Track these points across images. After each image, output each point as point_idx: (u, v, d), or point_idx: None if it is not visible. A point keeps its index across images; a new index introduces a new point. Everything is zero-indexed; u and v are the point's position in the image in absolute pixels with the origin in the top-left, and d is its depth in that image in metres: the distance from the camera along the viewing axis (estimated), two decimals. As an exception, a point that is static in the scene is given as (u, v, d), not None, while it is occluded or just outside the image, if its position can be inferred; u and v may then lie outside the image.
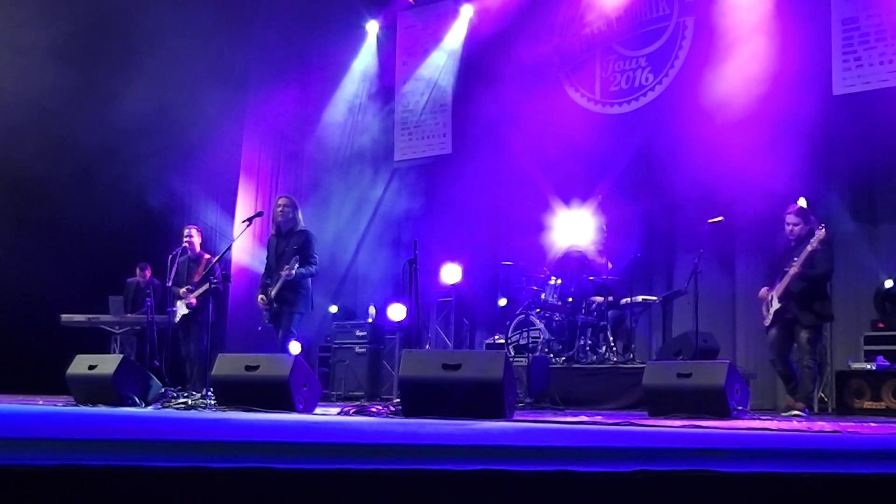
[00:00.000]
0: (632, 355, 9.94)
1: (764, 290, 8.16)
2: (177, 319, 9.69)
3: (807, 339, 7.84)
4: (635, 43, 11.65)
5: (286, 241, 8.60)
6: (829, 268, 8.02)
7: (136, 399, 7.99)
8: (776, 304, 7.92)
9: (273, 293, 8.46)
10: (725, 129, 10.06)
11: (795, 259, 7.83)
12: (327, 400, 10.69)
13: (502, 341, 10.42)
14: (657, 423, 5.99)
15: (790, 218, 8.05)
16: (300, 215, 8.84)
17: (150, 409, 7.74)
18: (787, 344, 8.03)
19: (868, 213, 9.77)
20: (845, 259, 9.76)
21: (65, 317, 11.20)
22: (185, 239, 9.91)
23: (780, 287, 7.87)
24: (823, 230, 7.71)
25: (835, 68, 9.95)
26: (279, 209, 8.72)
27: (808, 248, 7.73)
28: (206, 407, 7.52)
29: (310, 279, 8.65)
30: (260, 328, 8.87)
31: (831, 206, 9.70)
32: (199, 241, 10.04)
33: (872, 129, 9.74)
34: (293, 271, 8.30)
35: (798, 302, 7.84)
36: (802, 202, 8.59)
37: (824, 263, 7.89)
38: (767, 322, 8.04)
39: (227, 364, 7.66)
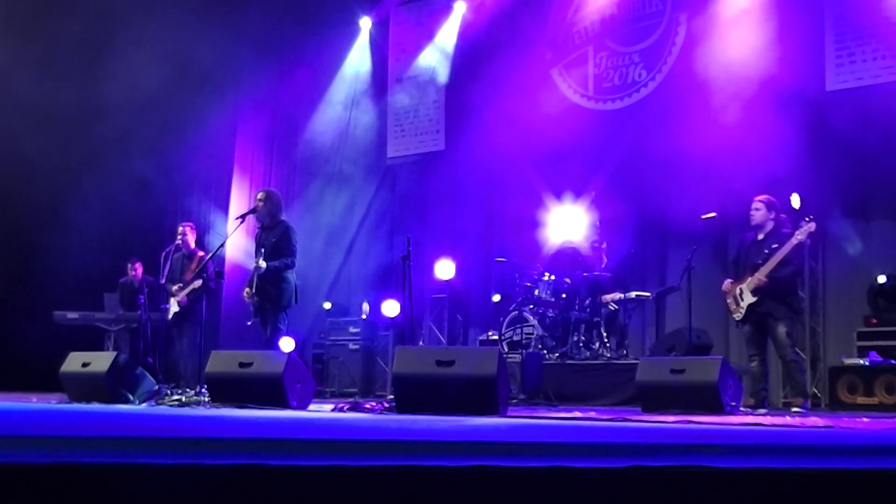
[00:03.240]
0: (625, 351, 9.95)
1: (728, 283, 8.07)
2: (170, 316, 9.68)
3: (785, 332, 7.75)
4: (628, 39, 11.64)
5: (267, 234, 8.56)
6: (802, 263, 8.04)
7: (130, 396, 7.98)
8: (750, 298, 7.81)
9: (254, 287, 8.43)
10: (718, 125, 10.06)
11: (767, 251, 7.81)
12: (321, 397, 10.69)
13: (496, 337, 10.43)
14: (651, 419, 6.01)
15: (754, 204, 8.01)
16: (280, 207, 8.75)
17: (143, 406, 7.74)
18: (764, 339, 7.97)
19: (861, 209, 9.77)
20: (838, 255, 9.80)
21: (58, 314, 11.17)
22: (178, 236, 9.88)
23: (754, 280, 7.80)
24: (813, 223, 7.68)
25: (828, 64, 9.96)
26: (257, 203, 8.68)
27: (794, 240, 7.67)
28: (199, 404, 7.52)
29: (290, 272, 8.50)
30: (249, 323, 8.84)
31: (824, 202, 9.70)
32: (194, 238, 10.01)
33: (865, 124, 9.74)
34: (262, 264, 8.25)
35: (773, 296, 7.77)
36: (795, 200, 8.59)
37: (798, 259, 7.89)
38: (739, 316, 7.94)
39: (221, 361, 7.66)
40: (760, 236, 7.99)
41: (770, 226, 7.94)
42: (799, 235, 7.64)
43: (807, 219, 7.71)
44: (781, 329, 7.76)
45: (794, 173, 9.44)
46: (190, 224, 10.27)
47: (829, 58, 9.96)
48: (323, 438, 3.74)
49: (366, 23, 14.07)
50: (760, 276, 7.74)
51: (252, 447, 3.25)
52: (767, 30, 10.21)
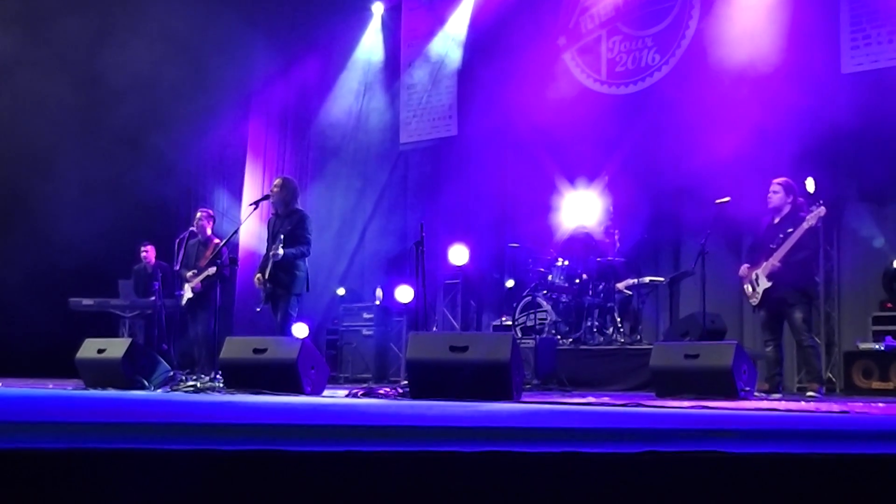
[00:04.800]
0: (639, 336, 9.94)
1: (744, 267, 8.05)
2: (184, 302, 9.71)
3: (801, 318, 7.70)
4: (641, 23, 11.57)
5: (282, 222, 8.56)
6: (817, 248, 7.99)
7: (145, 382, 8.02)
8: (765, 283, 7.75)
9: (266, 273, 8.45)
10: (732, 109, 10.01)
11: (782, 236, 7.76)
12: (335, 382, 10.72)
13: (509, 323, 10.43)
14: (665, 404, 6.00)
15: (772, 186, 7.95)
16: (295, 196, 8.75)
17: (158, 392, 7.78)
18: (779, 324, 7.92)
19: (876, 193, 9.71)
20: (853, 239, 9.75)
21: (73, 301, 11.23)
22: (195, 222, 9.90)
23: (768, 265, 7.75)
24: (823, 208, 7.62)
25: (843, 46, 9.88)
26: (273, 189, 8.70)
27: (805, 224, 7.62)
28: (214, 390, 7.55)
29: (303, 260, 8.51)
30: (258, 309, 8.84)
31: (839, 186, 9.65)
32: (210, 224, 10.03)
33: (881, 108, 9.65)
34: (280, 251, 8.25)
35: (787, 281, 7.71)
36: (810, 184, 8.54)
37: (813, 244, 7.84)
38: (755, 301, 7.89)
39: (235, 347, 7.69)
40: (777, 219, 7.93)
41: (787, 209, 7.88)
42: (810, 220, 7.59)
43: (818, 202, 7.67)
44: (798, 315, 7.71)
45: (809, 157, 9.39)
46: (207, 210, 10.29)
47: (844, 40, 9.88)
48: (337, 424, 3.75)
49: (378, 8, 14.05)
50: (774, 260, 7.70)
51: (266, 433, 3.26)
52: (781, 12, 10.13)
